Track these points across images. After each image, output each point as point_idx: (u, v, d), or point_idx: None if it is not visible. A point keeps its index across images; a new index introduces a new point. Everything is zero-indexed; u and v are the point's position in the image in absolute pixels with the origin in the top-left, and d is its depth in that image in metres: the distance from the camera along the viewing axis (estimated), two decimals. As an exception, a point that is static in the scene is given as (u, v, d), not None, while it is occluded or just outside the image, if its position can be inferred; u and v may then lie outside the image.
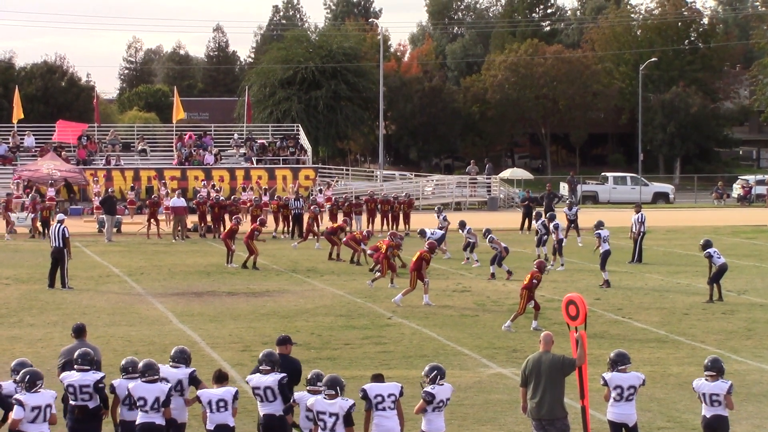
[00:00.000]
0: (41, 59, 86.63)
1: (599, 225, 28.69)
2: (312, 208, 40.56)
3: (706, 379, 12.32)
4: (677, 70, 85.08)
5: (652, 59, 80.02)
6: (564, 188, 61.04)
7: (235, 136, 59.63)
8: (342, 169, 65.16)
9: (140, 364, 12.00)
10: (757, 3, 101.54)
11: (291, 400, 12.12)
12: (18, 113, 56.57)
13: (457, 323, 22.31)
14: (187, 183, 52.56)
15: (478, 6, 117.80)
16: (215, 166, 55.01)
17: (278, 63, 77.45)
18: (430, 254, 25.05)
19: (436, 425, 11.86)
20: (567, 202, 50.38)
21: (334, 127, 76.65)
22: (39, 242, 38.50)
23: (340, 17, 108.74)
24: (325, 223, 40.78)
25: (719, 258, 25.08)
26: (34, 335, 20.80)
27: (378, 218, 42.96)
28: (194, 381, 12.40)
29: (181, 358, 12.48)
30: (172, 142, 58.15)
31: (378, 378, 11.90)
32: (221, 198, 42.62)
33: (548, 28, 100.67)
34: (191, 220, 42.39)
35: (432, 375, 11.88)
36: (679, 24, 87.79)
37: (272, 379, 12.12)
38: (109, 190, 44.57)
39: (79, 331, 13.79)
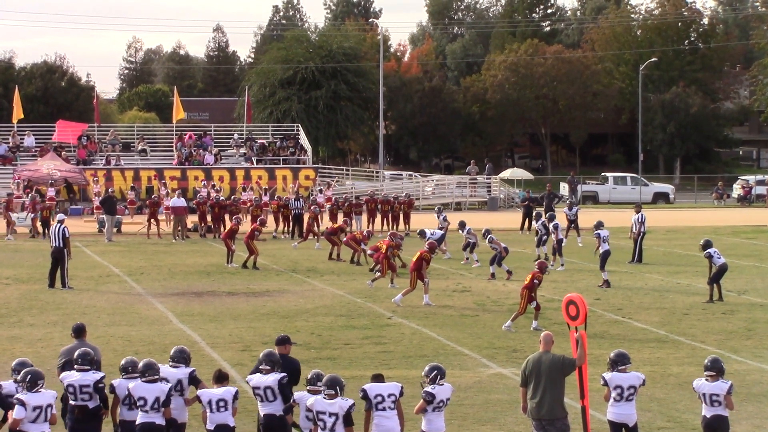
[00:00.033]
0: (41, 59, 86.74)
1: (599, 225, 28.69)
2: (312, 208, 40.56)
3: (707, 379, 12.32)
4: (677, 70, 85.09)
5: (652, 59, 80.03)
6: (564, 188, 61.04)
7: (235, 136, 59.63)
8: (342, 169, 65.16)
9: (140, 364, 12.00)
10: (757, 3, 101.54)
11: (291, 400, 12.12)
12: (18, 113, 56.57)
13: (457, 323, 22.31)
14: (187, 183, 52.56)
15: (478, 6, 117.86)
16: (215, 166, 55.01)
17: (278, 63, 77.44)
18: (430, 254, 25.06)
19: (436, 425, 11.86)
20: (567, 202, 50.38)
21: (334, 127, 76.65)
22: (39, 242, 38.50)
23: (340, 17, 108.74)
24: (325, 223, 40.78)
25: (719, 258, 25.08)
26: (34, 335, 20.80)
27: (378, 218, 42.96)
28: (194, 381, 12.41)
29: (181, 358, 12.49)
30: (172, 142, 58.15)
31: (378, 378, 11.90)
32: (221, 198, 42.62)
33: (548, 28, 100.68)
34: (191, 220, 42.39)
35: (432, 375, 11.89)
36: (679, 24, 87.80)
37: (272, 378, 12.13)
38: (109, 190, 44.57)
39: (79, 331, 13.80)
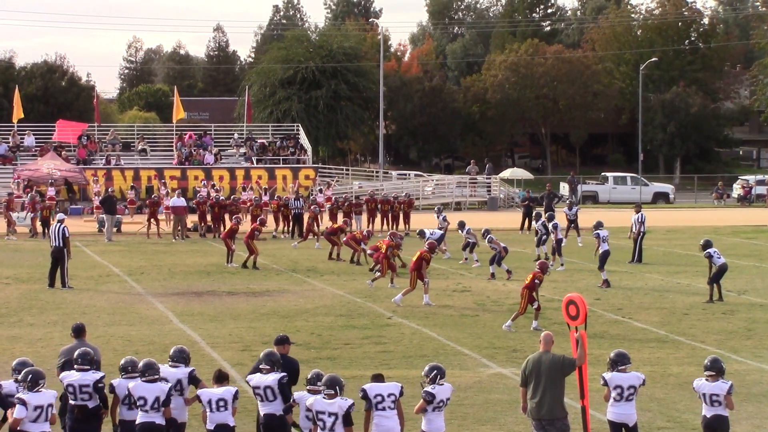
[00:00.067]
0: (41, 59, 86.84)
1: (598, 225, 28.69)
2: (312, 207, 40.55)
3: (707, 379, 12.32)
4: (677, 70, 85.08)
5: (653, 59, 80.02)
6: (564, 188, 61.04)
7: (235, 135, 59.62)
8: (342, 169, 65.16)
9: (140, 364, 12.01)
10: (758, 3, 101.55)
11: (291, 400, 12.12)
12: (18, 113, 56.57)
13: (457, 323, 22.31)
14: (187, 183, 52.55)
15: (478, 6, 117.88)
16: (215, 166, 55.01)
17: (278, 63, 77.45)
18: (430, 254, 25.06)
19: (436, 425, 11.86)
20: (567, 202, 50.37)
21: (335, 126, 76.66)
22: (39, 242, 38.49)
23: (341, 17, 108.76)
24: (325, 222, 40.78)
25: (719, 258, 25.08)
26: (34, 335, 20.80)
27: (378, 218, 42.96)
28: (193, 380, 12.42)
29: (180, 358, 12.49)
30: (172, 142, 58.15)
31: (378, 378, 11.90)
32: (221, 198, 42.61)
33: (548, 28, 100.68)
34: (191, 219, 42.39)
35: (432, 375, 11.89)
36: (680, 24, 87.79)
37: (272, 378, 12.13)
38: (109, 189, 44.56)
39: (79, 331, 13.80)
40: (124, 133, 62.80)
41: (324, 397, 11.33)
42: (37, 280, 28.18)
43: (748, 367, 18.23)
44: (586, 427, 12.88)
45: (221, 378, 12.17)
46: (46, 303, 24.73)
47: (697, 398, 12.63)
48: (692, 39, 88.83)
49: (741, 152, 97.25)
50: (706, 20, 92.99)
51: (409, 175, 65.00)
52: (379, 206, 43.19)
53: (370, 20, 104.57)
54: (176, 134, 58.22)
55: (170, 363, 12.46)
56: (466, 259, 32.49)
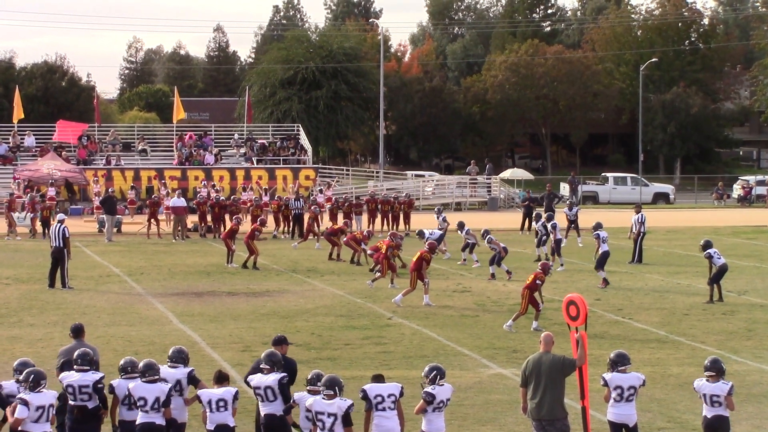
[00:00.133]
0: (41, 59, 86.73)
1: (598, 226, 28.69)
2: (312, 208, 40.55)
3: (707, 380, 12.31)
4: (678, 71, 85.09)
5: (653, 59, 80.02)
6: (565, 188, 61.03)
7: (236, 136, 59.62)
8: (342, 169, 65.16)
9: (140, 364, 12.01)
10: (758, 3, 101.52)
11: (291, 400, 12.12)
12: (18, 113, 56.56)
13: (457, 323, 22.30)
14: (187, 183, 52.56)
15: (478, 6, 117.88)
16: (215, 166, 55.01)
17: (278, 63, 77.45)
18: (430, 254, 25.07)
19: (436, 425, 11.86)
20: (567, 202, 50.36)
21: (335, 127, 76.66)
22: (39, 242, 38.49)
23: (341, 17, 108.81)
24: (325, 223, 40.78)
25: (719, 258, 25.08)
26: (34, 335, 20.80)
27: (378, 218, 42.95)
28: (193, 380, 12.42)
29: (179, 358, 12.50)
30: (172, 142, 58.15)
31: (378, 378, 11.90)
32: (221, 198, 42.61)
33: (549, 29, 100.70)
34: (191, 220, 42.39)
35: (432, 375, 11.88)
36: (680, 24, 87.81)
37: (272, 378, 12.14)
38: (110, 190, 44.57)
39: (78, 331, 13.79)
40: (124, 133, 62.80)
41: (323, 398, 11.33)
42: (37, 281, 28.18)
43: (749, 368, 18.23)
44: (586, 427, 12.87)
45: (221, 379, 12.17)
46: (46, 303, 24.73)
47: (697, 399, 12.64)
48: (692, 39, 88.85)
49: (741, 153, 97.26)
50: (706, 21, 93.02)
51: (424, 176, 64.98)
52: (380, 207, 43.20)
53: (370, 20, 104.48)
54: (176, 134, 58.22)
55: (169, 363, 12.46)
56: (464, 260, 32.48)
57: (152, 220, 40.57)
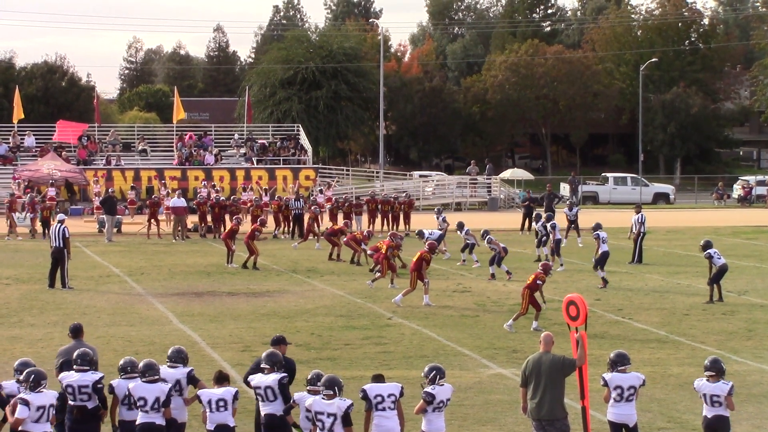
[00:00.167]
0: (41, 59, 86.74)
1: (597, 227, 28.70)
2: (312, 208, 40.56)
3: (707, 380, 12.31)
4: (678, 71, 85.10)
5: (653, 60, 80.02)
6: (565, 189, 61.02)
7: (236, 136, 59.62)
8: (342, 170, 65.16)
9: (141, 365, 12.01)
10: (758, 3, 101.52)
11: (291, 400, 12.12)
12: (18, 113, 56.56)
13: (457, 323, 22.30)
14: (187, 183, 52.56)
15: (478, 6, 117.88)
16: (215, 167, 55.01)
17: (278, 63, 77.44)
18: (430, 254, 25.07)
19: (436, 425, 11.86)
20: (567, 202, 50.34)
21: (335, 127, 76.66)
22: (39, 242, 38.49)
23: (341, 17, 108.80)
24: (325, 223, 40.78)
25: (719, 258, 25.08)
26: (34, 335, 20.80)
27: (378, 219, 42.95)
28: (192, 380, 12.42)
29: (179, 358, 12.50)
30: (172, 142, 58.16)
31: (378, 378, 11.90)
32: (221, 198, 42.60)
33: (549, 29, 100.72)
34: (191, 220, 42.39)
35: (431, 375, 11.88)
36: (680, 24, 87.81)
37: (273, 378, 12.14)
38: (110, 190, 44.57)
39: (77, 331, 13.78)
40: (124, 133, 62.81)
41: (323, 398, 11.33)
42: (37, 281, 28.18)
43: (749, 368, 18.23)
44: (586, 427, 12.87)
45: (221, 379, 12.17)
46: (47, 303, 24.73)
47: (697, 399, 12.64)
48: (692, 39, 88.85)
49: (741, 153, 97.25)
50: (706, 21, 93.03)
51: (431, 176, 65.04)
52: (380, 207, 43.20)
53: (370, 21, 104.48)
54: (176, 135, 58.22)
55: (168, 363, 12.46)
56: (464, 260, 32.48)
57: (152, 220, 40.57)
